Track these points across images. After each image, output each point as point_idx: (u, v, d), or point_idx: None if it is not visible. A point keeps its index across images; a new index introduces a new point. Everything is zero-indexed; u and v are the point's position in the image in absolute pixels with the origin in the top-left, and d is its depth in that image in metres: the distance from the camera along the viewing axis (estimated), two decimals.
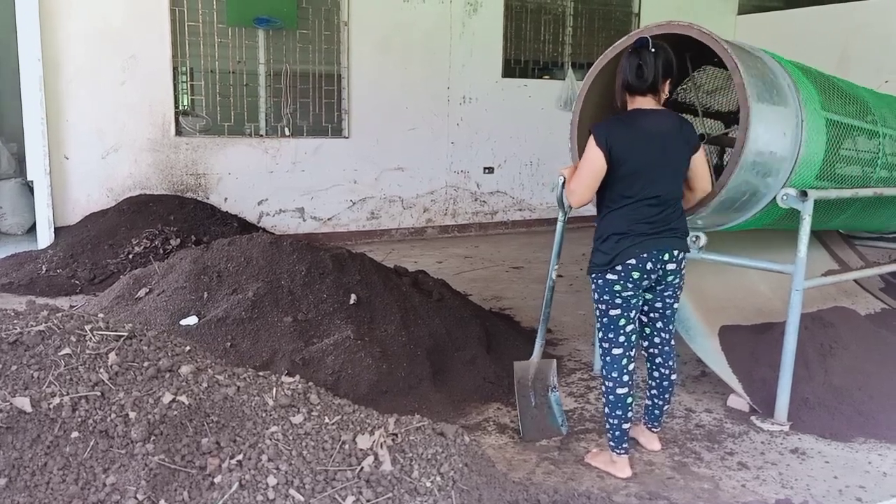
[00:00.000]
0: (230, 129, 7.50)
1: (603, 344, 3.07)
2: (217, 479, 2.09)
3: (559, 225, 3.54)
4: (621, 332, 3.02)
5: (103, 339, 2.45)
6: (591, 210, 3.15)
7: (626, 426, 3.07)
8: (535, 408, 3.54)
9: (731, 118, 4.44)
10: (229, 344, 3.74)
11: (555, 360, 3.71)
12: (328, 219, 8.08)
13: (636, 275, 2.94)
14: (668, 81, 2.95)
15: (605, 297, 3.00)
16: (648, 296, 3.10)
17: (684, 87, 4.34)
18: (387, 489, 2.12)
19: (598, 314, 3.07)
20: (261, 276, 4.09)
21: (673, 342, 3.25)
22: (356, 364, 3.63)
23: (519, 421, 3.47)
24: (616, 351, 3.03)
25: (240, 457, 2.15)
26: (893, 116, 4.36)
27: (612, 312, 3.01)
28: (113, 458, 2.12)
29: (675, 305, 3.17)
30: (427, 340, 4.02)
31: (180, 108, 7.27)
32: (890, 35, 8.49)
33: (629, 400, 3.05)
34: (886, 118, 4.26)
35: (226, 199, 7.46)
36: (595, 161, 2.89)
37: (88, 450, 2.12)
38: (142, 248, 6.18)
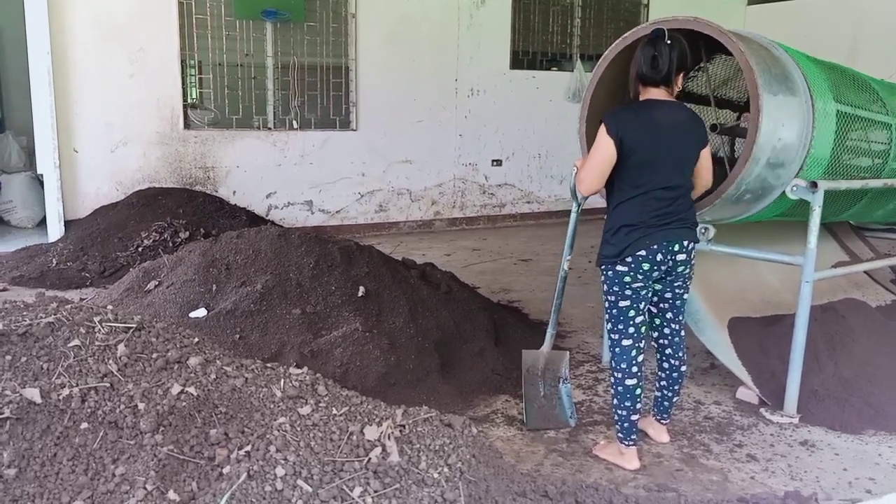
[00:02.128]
0: (238, 122, 7.51)
1: (612, 335, 3.06)
2: (225, 470, 2.10)
3: (573, 216, 3.56)
4: (630, 323, 3.01)
5: (112, 330, 2.46)
6: (601, 202, 3.14)
7: (634, 418, 3.06)
8: (543, 398, 3.55)
9: (743, 106, 4.41)
10: (238, 336, 3.75)
11: (567, 353, 3.71)
12: (336, 211, 8.08)
13: (646, 266, 2.93)
14: (681, 74, 2.95)
15: (614, 288, 2.99)
16: (658, 286, 3.09)
17: (695, 75, 4.31)
18: (394, 480, 2.12)
19: (607, 305, 3.06)
20: (269, 268, 4.10)
21: (683, 333, 3.24)
22: (364, 356, 3.64)
23: (524, 408, 3.48)
24: (625, 342, 3.03)
25: (248, 448, 2.15)
26: None
27: (622, 304, 3.00)
28: (122, 449, 2.13)
29: (685, 296, 3.17)
30: (435, 333, 4.02)
31: (188, 101, 7.28)
32: None
33: (638, 391, 3.04)
34: None
35: (234, 192, 7.47)
36: (606, 149, 2.89)
37: (98, 440, 2.13)
38: (151, 241, 6.20)
